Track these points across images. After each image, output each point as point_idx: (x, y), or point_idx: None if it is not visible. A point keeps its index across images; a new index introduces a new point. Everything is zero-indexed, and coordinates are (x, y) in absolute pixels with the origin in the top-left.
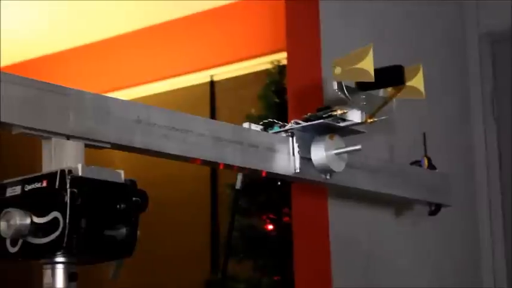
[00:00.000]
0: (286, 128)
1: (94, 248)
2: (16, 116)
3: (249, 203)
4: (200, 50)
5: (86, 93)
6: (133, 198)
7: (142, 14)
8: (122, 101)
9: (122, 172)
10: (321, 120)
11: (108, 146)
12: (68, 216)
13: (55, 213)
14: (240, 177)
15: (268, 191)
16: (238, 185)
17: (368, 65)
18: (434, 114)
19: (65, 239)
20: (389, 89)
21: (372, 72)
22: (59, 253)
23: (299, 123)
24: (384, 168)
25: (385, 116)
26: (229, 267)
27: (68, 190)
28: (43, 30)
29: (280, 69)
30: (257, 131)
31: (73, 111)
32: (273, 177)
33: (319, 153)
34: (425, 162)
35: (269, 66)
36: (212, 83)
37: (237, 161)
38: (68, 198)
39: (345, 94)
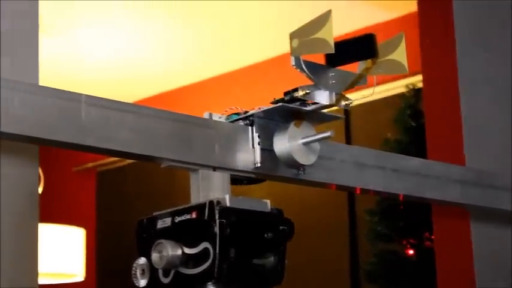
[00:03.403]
0: (246, 115)
1: (243, 277)
2: (165, 150)
3: (389, 228)
4: None
5: (229, 124)
6: (280, 227)
7: (277, 42)
8: None
9: (268, 201)
10: (280, 104)
11: (253, 175)
12: (217, 247)
13: (205, 244)
14: None
15: (408, 215)
16: None
17: (327, 35)
18: None
19: (216, 269)
20: (369, 64)
21: (332, 43)
22: (209, 283)
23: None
24: None
25: (363, 97)
26: None
27: (217, 221)
28: (180, 61)
29: (415, 93)
30: (214, 121)
31: (218, 142)
32: (231, 173)
33: (282, 143)
34: None
35: (404, 90)
36: (346, 109)
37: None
38: (217, 229)
39: (304, 71)
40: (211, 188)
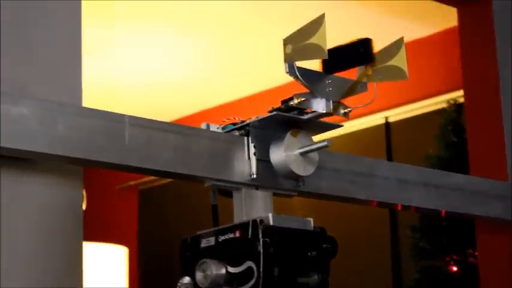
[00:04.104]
0: (242, 125)
1: None
2: (208, 170)
3: (432, 245)
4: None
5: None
6: (324, 245)
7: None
8: None
9: (311, 220)
10: (275, 113)
11: (295, 194)
12: (261, 266)
13: (249, 263)
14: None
15: (451, 231)
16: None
17: (321, 40)
18: None
19: None
20: (368, 70)
21: (325, 48)
22: None
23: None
24: None
25: (363, 104)
26: None
27: (261, 240)
28: (221, 80)
29: (457, 108)
30: (209, 131)
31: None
32: (226, 185)
33: (278, 154)
34: None
35: (445, 105)
36: (387, 125)
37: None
38: (261, 248)
39: (299, 79)
40: (255, 207)
